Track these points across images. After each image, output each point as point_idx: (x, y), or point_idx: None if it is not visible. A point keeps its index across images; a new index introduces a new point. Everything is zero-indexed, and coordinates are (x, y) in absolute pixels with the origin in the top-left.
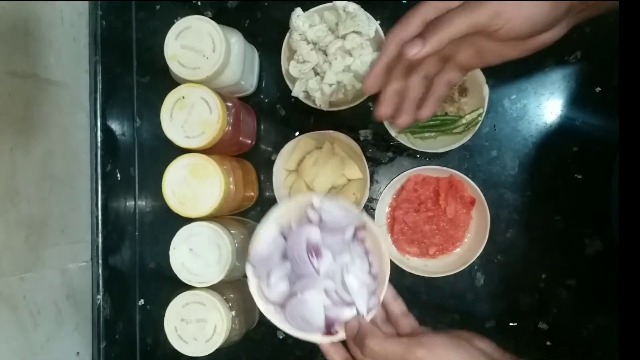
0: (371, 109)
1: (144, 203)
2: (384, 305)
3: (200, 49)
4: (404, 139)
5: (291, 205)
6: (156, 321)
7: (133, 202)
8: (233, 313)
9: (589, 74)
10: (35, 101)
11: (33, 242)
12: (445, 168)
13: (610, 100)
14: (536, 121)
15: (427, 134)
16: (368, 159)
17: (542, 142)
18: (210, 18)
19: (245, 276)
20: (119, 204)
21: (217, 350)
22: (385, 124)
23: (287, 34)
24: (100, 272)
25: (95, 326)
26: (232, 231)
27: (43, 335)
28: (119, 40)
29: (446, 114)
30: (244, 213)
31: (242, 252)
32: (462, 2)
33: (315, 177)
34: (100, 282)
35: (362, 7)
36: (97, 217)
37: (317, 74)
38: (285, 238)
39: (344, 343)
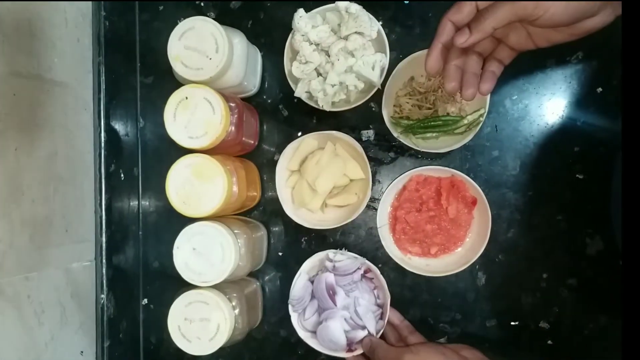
0: (373, 109)
1: (147, 203)
2: (394, 327)
3: (203, 49)
4: (405, 140)
5: (314, 260)
6: (160, 320)
7: (137, 202)
8: (236, 312)
9: (591, 74)
10: (39, 102)
11: (37, 241)
12: (446, 168)
13: (612, 101)
14: (537, 121)
15: (428, 135)
16: (370, 159)
17: (543, 142)
18: (213, 19)
19: (248, 275)
20: (123, 204)
21: (220, 349)
22: (388, 124)
23: (290, 35)
24: (104, 271)
25: (99, 325)
26: (236, 231)
27: (47, 334)
28: (122, 41)
29: (448, 114)
30: (247, 213)
31: (245, 252)
32: None
33: (318, 177)
34: (104, 282)
35: (364, 8)
36: (101, 216)
37: (319, 74)
38: (312, 283)
39: (364, 355)
